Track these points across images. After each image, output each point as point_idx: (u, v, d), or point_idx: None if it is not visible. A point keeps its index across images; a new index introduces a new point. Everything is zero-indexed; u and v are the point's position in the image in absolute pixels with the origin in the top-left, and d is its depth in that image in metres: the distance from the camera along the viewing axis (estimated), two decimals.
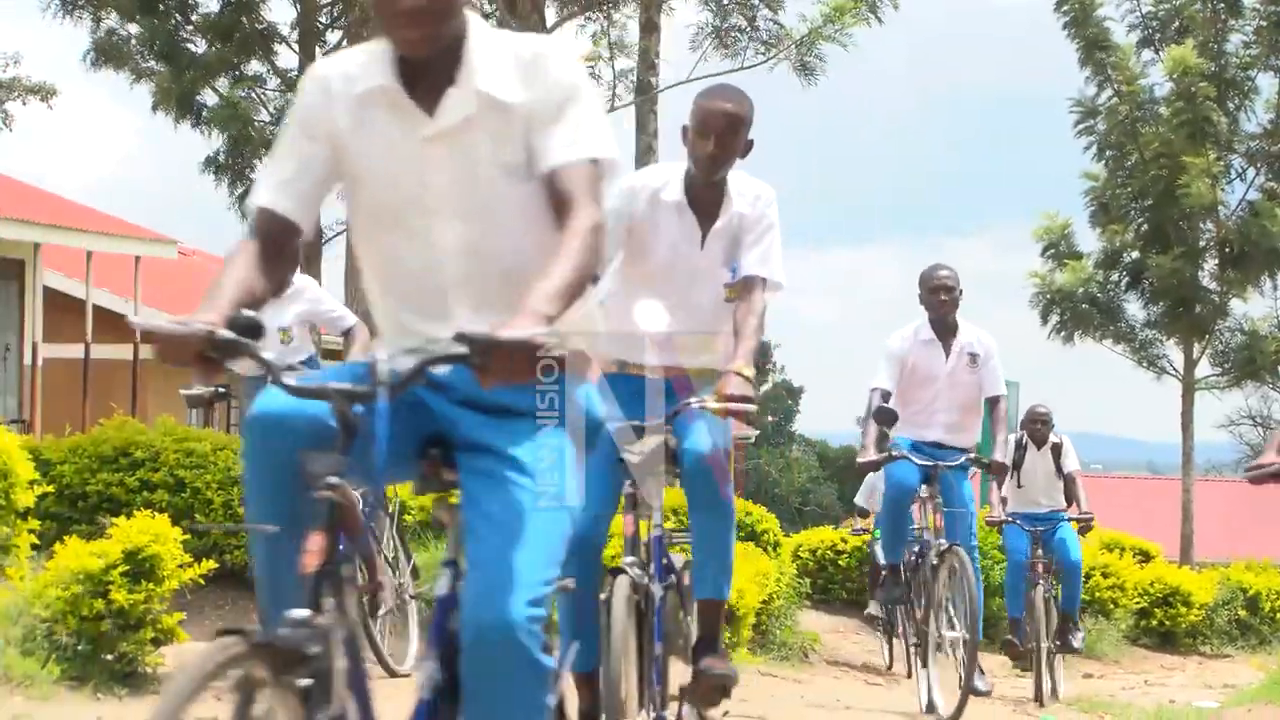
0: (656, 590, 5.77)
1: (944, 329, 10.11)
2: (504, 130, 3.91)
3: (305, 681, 3.40)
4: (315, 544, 3.52)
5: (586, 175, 3.87)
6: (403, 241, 3.98)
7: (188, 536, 8.85)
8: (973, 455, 10.21)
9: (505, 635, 3.61)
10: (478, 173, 3.91)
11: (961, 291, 10.08)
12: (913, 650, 11.03)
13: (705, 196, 6.06)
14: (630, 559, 5.62)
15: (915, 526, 10.60)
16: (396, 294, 4.05)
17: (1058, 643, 13.62)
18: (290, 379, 3.66)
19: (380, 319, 4.15)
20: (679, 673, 6.13)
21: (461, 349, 3.47)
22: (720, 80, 21.31)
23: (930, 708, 10.05)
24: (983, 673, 10.39)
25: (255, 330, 3.64)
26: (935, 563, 9.87)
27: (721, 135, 5.93)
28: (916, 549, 10.33)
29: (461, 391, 3.87)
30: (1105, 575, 19.87)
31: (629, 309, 6.10)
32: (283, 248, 3.97)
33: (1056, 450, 13.75)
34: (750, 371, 5.64)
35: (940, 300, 10.04)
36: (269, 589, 3.80)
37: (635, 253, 6.12)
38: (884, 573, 11.02)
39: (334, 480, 3.56)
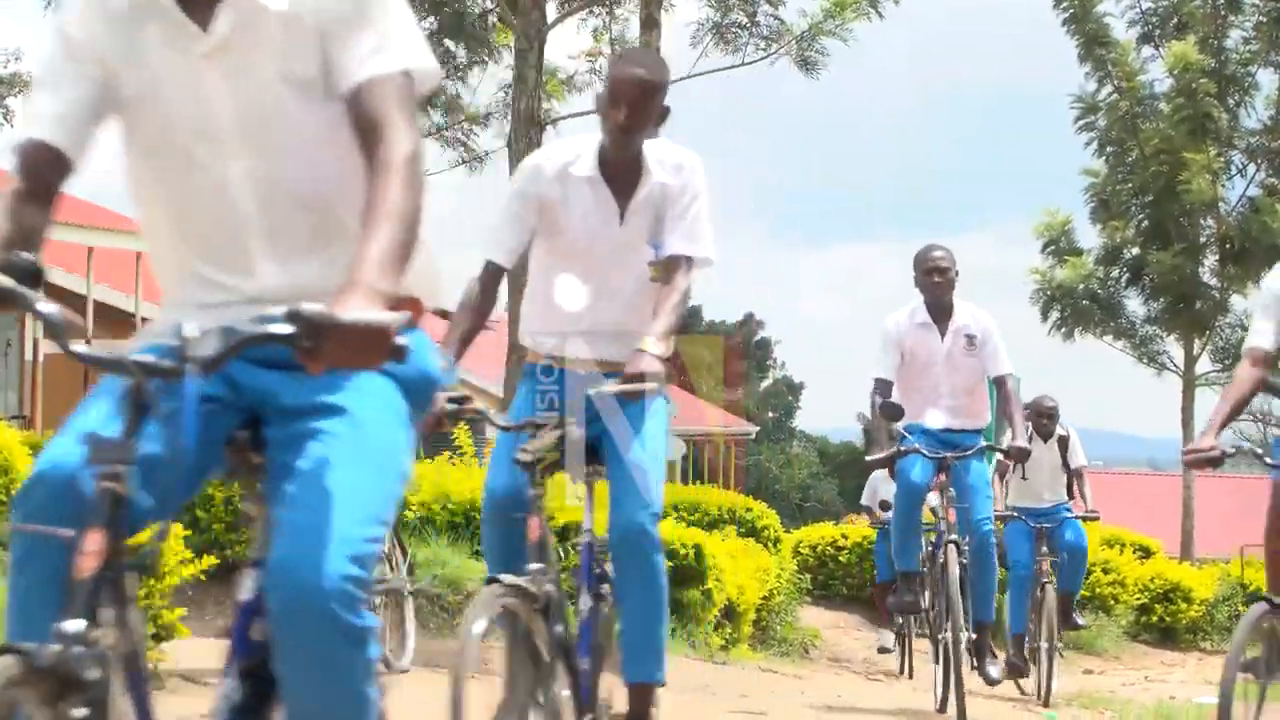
0: (585, 601, 5.47)
1: (940, 311, 9.82)
2: (291, 40, 3.37)
3: (80, 712, 2.89)
4: (94, 543, 2.99)
5: (398, 91, 3.33)
6: (188, 179, 3.44)
7: (189, 532, 8.86)
8: (986, 444, 9.94)
9: (316, 600, 3.12)
10: (264, 94, 3.38)
11: (958, 273, 9.80)
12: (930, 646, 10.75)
13: (621, 169, 5.67)
14: (535, 565, 5.13)
15: (928, 525, 10.45)
16: (189, 241, 3.50)
17: (1061, 623, 13.63)
18: (79, 346, 3.08)
19: (169, 271, 3.60)
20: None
21: (287, 328, 2.95)
22: (722, 73, 21.36)
23: (944, 706, 9.94)
24: (995, 657, 10.24)
25: (36, 277, 3.11)
26: (943, 560, 9.71)
27: (634, 104, 5.54)
28: (933, 539, 10.12)
29: (271, 351, 3.21)
30: (1106, 571, 19.88)
31: (551, 295, 5.77)
32: (50, 186, 3.41)
33: (1063, 444, 13.65)
34: (660, 349, 5.28)
35: (934, 282, 9.76)
36: (27, 597, 3.23)
37: (549, 234, 5.75)
38: (896, 579, 10.68)
39: (118, 469, 3.02)
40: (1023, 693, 13.08)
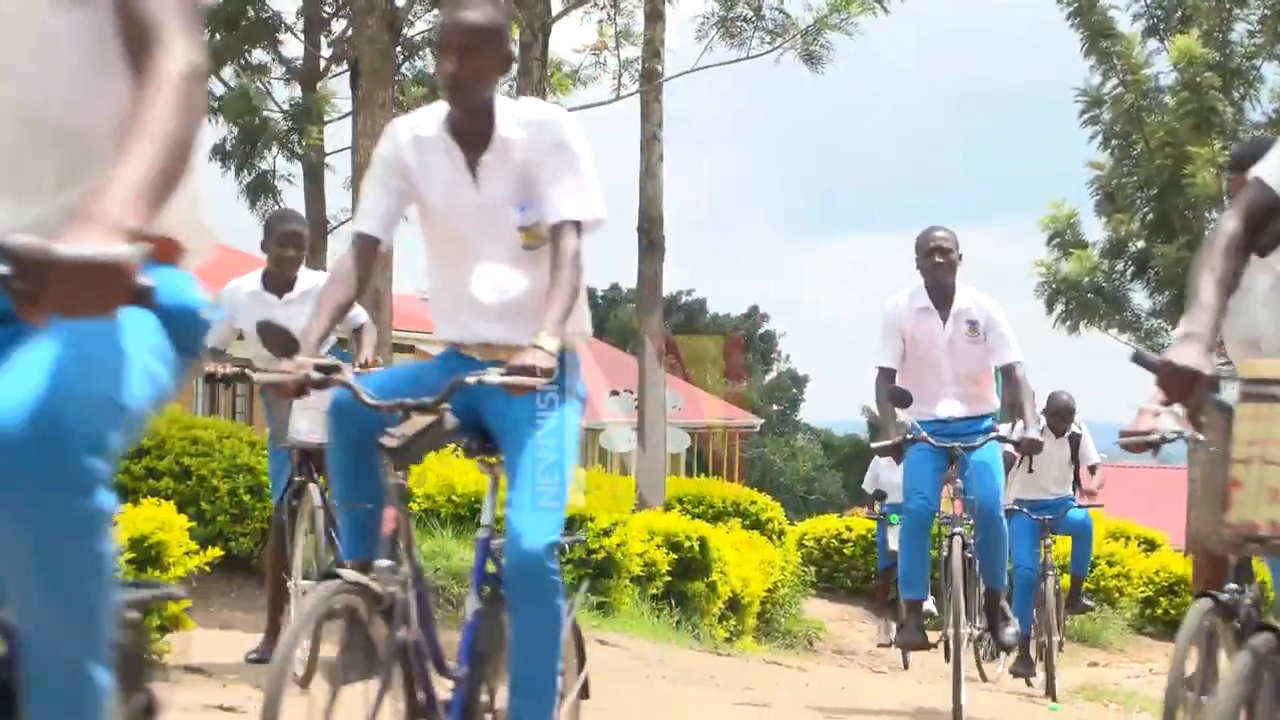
0: (472, 601, 5.05)
1: (941, 295, 9.51)
2: None
3: None
4: None
5: None
6: None
7: (193, 524, 8.89)
8: (997, 434, 9.62)
9: (34, 447, 2.62)
10: None
11: (960, 256, 9.52)
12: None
13: (470, 126, 5.19)
14: (384, 562, 4.67)
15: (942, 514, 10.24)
16: None
17: (1070, 606, 13.67)
18: None
19: None
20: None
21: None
22: (728, 67, 21.36)
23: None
24: (1007, 620, 10.04)
25: None
26: (947, 553, 9.53)
27: (465, 51, 5.05)
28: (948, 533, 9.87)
29: None
30: (1111, 564, 19.90)
31: (448, 279, 5.33)
32: None
33: (1074, 441, 13.59)
34: (552, 345, 4.78)
35: (935, 263, 9.45)
36: None
37: (420, 207, 5.33)
38: (903, 608, 10.31)
39: None
40: (1051, 684, 13.06)
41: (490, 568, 5.07)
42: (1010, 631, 9.97)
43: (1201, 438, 6.41)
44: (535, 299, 5.06)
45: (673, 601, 14.37)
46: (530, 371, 4.66)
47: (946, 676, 9.54)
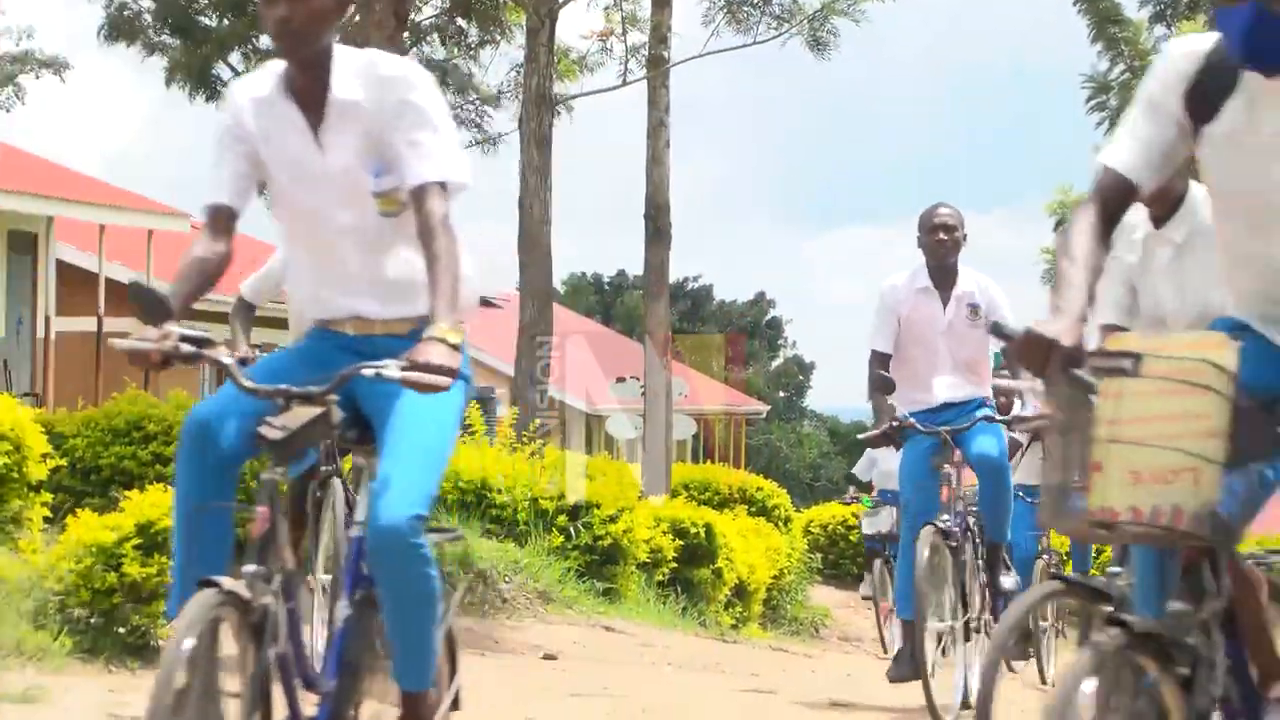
0: (343, 607, 4.63)
1: (943, 275, 9.27)
2: None
3: None
4: None
5: None
6: None
7: None
8: (988, 414, 9.28)
9: None
10: None
11: (965, 235, 9.30)
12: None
13: (307, 84, 4.64)
14: (251, 568, 4.30)
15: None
16: None
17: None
18: None
19: None
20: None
21: None
22: (736, 52, 21.33)
23: (964, 703, 9.09)
24: (1008, 569, 9.90)
25: None
26: (915, 538, 9.25)
27: None
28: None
29: None
30: None
31: (307, 254, 4.87)
32: None
33: None
34: (456, 338, 4.31)
35: (939, 240, 9.20)
36: None
37: (267, 177, 4.80)
38: (900, 632, 9.73)
39: None
40: (1044, 672, 13.04)
41: (365, 569, 4.63)
42: (1010, 580, 9.85)
43: (1030, 414, 5.94)
44: (405, 267, 4.68)
45: (679, 588, 14.39)
46: (435, 371, 4.23)
47: (951, 665, 9.52)
